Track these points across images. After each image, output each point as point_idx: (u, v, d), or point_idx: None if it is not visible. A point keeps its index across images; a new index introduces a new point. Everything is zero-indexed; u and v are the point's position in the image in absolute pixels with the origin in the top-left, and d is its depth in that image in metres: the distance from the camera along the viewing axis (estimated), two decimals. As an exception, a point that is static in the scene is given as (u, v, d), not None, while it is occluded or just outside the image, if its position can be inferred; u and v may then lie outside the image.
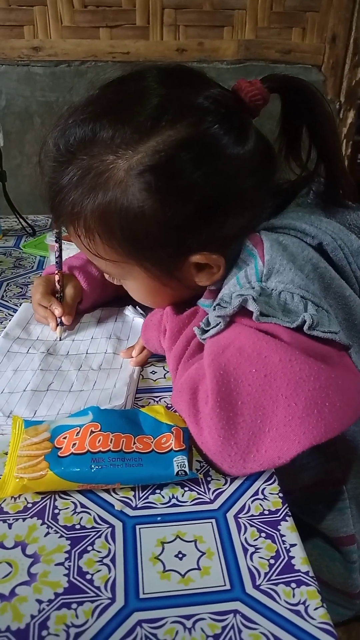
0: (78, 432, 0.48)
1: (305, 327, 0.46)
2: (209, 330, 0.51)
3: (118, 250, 0.53)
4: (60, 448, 0.47)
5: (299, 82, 0.57)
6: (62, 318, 0.71)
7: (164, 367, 0.65)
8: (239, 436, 0.45)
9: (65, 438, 0.48)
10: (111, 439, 0.47)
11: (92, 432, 0.48)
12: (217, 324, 0.50)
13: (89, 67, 1.30)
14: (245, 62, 1.32)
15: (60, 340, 0.70)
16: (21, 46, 1.27)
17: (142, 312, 0.75)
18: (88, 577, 0.40)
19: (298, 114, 0.57)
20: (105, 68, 1.32)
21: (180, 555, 0.41)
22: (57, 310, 0.70)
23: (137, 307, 0.75)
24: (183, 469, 0.46)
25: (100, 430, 0.48)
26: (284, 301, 0.49)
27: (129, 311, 0.76)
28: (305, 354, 0.46)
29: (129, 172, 0.49)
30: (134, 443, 0.48)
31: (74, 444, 0.47)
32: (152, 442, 0.48)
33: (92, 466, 0.45)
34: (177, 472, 0.46)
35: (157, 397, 0.60)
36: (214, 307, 0.52)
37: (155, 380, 0.63)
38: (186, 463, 0.46)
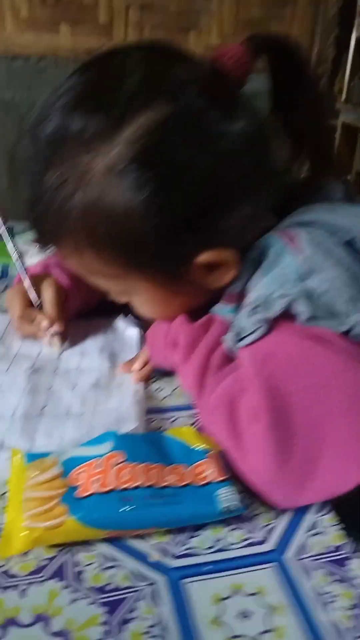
0: (98, 465, 0.39)
1: (358, 330, 0.40)
2: (245, 337, 0.44)
3: (113, 263, 0.46)
4: (77, 486, 0.38)
5: (286, 41, 0.50)
6: (53, 327, 0.61)
7: (171, 382, 0.57)
8: (295, 461, 0.38)
9: (81, 473, 0.39)
10: (140, 472, 0.38)
11: (116, 463, 0.39)
12: (257, 329, 0.43)
13: (49, 64, 1.21)
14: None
15: (60, 352, 0.61)
16: (-28, 38, 1.16)
17: (135, 320, 0.66)
18: (136, 655, 0.31)
19: (287, 79, 0.51)
20: (66, 65, 1.24)
21: (244, 614, 0.33)
22: (44, 322, 0.60)
23: (129, 315, 0.67)
24: (231, 503, 0.38)
25: (126, 461, 0.39)
26: (329, 302, 0.43)
27: (121, 321, 0.67)
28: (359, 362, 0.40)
29: (108, 171, 0.41)
30: (166, 475, 0.39)
31: (96, 480, 0.38)
32: (186, 473, 0.40)
33: (122, 507, 0.36)
34: (224, 508, 0.38)
35: (169, 417, 0.52)
36: (250, 311, 0.45)
37: (162, 399, 0.55)
38: (235, 497, 0.38)
